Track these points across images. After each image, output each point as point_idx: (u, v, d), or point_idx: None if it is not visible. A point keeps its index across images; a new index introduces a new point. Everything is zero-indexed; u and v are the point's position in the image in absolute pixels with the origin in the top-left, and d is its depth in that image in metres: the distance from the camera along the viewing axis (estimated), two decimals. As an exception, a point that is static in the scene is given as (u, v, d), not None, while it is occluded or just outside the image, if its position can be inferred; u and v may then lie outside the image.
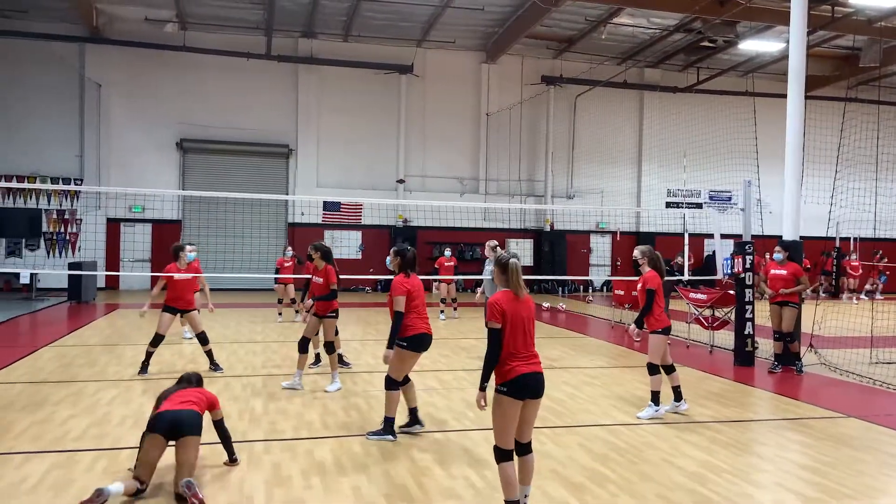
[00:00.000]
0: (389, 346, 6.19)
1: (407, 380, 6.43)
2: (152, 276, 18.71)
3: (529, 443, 4.52)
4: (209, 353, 9.23)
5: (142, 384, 8.32)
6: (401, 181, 23.53)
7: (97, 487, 4.55)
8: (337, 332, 8.76)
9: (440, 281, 16.46)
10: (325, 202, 22.48)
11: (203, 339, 9.24)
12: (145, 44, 21.13)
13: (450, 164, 24.17)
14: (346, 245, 22.93)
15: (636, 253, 7.45)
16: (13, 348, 10.77)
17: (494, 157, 24.43)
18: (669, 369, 7.34)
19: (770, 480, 5.46)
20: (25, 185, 20.44)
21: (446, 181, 24.01)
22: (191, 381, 5.52)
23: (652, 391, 7.25)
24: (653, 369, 7.22)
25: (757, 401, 8.45)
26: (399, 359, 6.24)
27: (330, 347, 8.32)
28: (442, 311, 15.93)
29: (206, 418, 5.24)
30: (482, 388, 4.43)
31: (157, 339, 9.01)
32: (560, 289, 23.82)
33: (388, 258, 6.60)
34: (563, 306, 18.80)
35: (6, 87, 20.64)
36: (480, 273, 23.00)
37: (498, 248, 11.41)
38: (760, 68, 24.79)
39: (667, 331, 7.25)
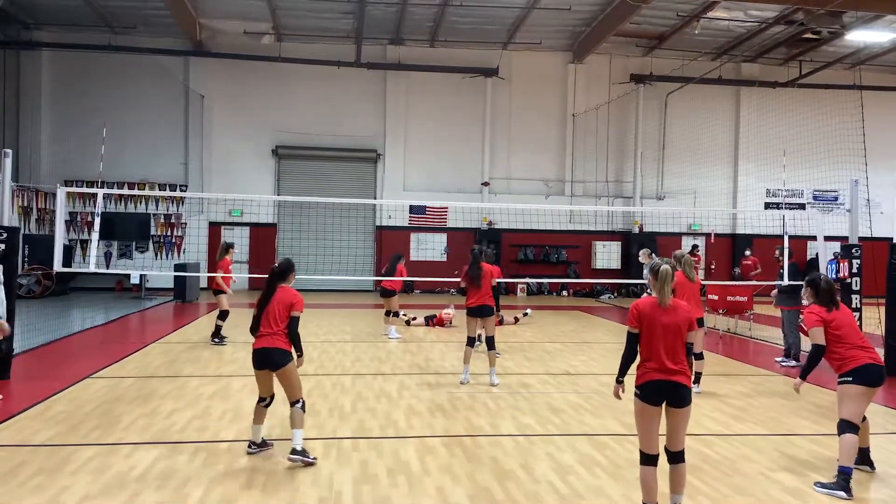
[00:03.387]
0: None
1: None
2: (250, 278, 19.61)
3: (681, 452, 4.55)
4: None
5: (240, 380, 8.73)
6: (486, 184, 23.56)
7: None
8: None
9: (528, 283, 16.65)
10: (411, 206, 22.83)
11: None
12: (244, 56, 22.19)
13: (535, 167, 23.97)
14: (431, 248, 23.22)
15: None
16: (124, 344, 11.55)
17: (581, 158, 24.04)
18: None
19: (879, 497, 5.14)
20: (136, 191, 21.96)
21: (531, 183, 23.84)
22: None
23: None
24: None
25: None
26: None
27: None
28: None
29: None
30: (617, 381, 4.76)
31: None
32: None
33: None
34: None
35: (118, 99, 22.12)
36: (565, 276, 22.99)
37: (653, 255, 11.26)
38: (869, 60, 23.19)
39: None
